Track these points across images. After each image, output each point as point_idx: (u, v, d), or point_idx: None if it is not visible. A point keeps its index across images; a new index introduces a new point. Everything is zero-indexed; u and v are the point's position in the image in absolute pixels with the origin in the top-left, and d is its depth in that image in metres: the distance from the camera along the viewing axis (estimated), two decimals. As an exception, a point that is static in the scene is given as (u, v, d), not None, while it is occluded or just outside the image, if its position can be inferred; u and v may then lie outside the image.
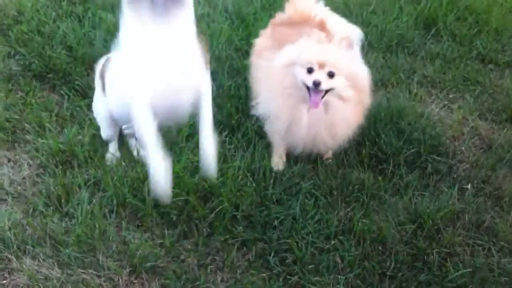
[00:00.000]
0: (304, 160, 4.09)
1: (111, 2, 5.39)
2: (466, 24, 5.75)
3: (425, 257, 3.58)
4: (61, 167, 3.87)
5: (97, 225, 3.48)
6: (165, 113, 3.18)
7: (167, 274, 3.34)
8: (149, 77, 3.05)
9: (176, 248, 3.49)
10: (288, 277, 3.40)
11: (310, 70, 3.68)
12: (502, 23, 5.79)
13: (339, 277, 3.41)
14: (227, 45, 5.06)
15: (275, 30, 4.28)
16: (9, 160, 3.97)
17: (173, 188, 3.42)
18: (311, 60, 3.68)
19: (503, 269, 3.56)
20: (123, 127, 3.96)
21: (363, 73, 3.88)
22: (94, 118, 4.02)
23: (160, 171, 3.14)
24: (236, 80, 4.70)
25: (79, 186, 3.71)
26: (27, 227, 3.49)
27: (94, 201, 3.62)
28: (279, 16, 4.42)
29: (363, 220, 3.69)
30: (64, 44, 4.87)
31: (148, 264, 3.36)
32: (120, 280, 3.31)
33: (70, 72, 4.61)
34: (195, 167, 3.83)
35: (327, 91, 3.69)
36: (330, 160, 4.14)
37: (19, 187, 3.78)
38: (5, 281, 3.25)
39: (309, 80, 3.65)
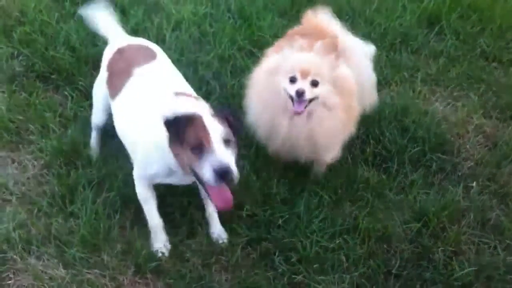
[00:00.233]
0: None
1: (113, 2, 5.40)
2: (470, 22, 5.72)
3: (430, 255, 3.58)
4: (65, 167, 3.87)
5: (101, 225, 3.48)
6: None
7: (172, 273, 3.34)
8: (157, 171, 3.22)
9: (180, 248, 3.49)
10: (292, 276, 3.40)
11: (292, 80, 3.54)
12: (506, 21, 5.76)
13: (344, 275, 3.42)
14: (230, 45, 5.05)
15: (287, 38, 4.10)
16: (13, 161, 3.98)
17: (178, 187, 3.44)
18: (293, 69, 3.55)
19: (509, 267, 3.55)
20: None
21: (349, 78, 3.70)
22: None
23: (159, 239, 3.48)
24: (239, 80, 4.68)
25: (83, 187, 3.71)
26: (32, 228, 3.50)
27: (98, 201, 3.63)
28: (296, 29, 4.25)
29: (368, 219, 3.69)
30: (67, 45, 4.86)
31: (153, 264, 3.36)
32: (125, 280, 3.32)
33: (73, 73, 4.61)
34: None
35: (311, 100, 3.54)
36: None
37: (23, 188, 3.78)
38: (10, 281, 3.27)
39: (292, 89, 3.50)
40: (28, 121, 4.19)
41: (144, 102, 3.26)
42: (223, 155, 2.82)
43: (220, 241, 3.55)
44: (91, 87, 4.22)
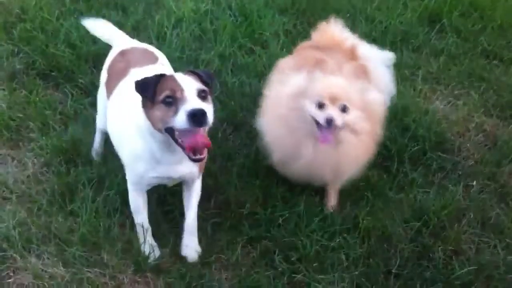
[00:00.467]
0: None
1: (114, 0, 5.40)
2: (471, 20, 5.71)
3: (430, 254, 3.58)
4: (65, 165, 3.87)
5: (101, 224, 3.48)
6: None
7: (172, 272, 3.34)
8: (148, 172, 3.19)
9: (179, 246, 3.49)
10: (293, 275, 3.40)
11: (321, 105, 3.32)
12: (507, 19, 5.76)
13: (344, 275, 3.41)
14: (231, 42, 5.04)
15: (300, 51, 4.00)
16: (13, 159, 3.98)
17: (177, 186, 3.43)
18: (321, 94, 3.33)
19: (509, 266, 3.55)
20: None
21: (379, 103, 3.55)
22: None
23: (148, 245, 3.44)
24: (240, 78, 4.68)
25: (83, 185, 3.71)
26: (32, 226, 3.49)
27: (98, 199, 3.62)
28: (306, 43, 4.12)
29: (368, 218, 3.68)
30: (68, 42, 4.86)
31: (153, 263, 3.36)
32: (125, 278, 3.32)
33: (73, 70, 4.60)
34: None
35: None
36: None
37: (23, 186, 3.78)
38: (10, 280, 3.27)
39: (321, 116, 3.29)
40: (28, 119, 4.19)
41: (130, 99, 3.19)
42: (197, 102, 2.78)
43: (190, 258, 3.44)
44: (91, 84, 4.24)
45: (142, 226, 3.41)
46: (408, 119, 4.41)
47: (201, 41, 5.08)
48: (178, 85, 2.83)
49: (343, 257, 3.50)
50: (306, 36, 5.22)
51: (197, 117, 2.72)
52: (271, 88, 3.79)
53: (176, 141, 2.86)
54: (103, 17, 4.81)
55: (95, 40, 4.85)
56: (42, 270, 3.30)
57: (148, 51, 3.73)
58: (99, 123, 3.89)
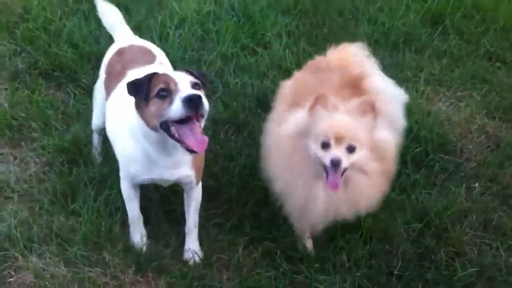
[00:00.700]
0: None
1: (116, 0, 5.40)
2: (474, 21, 5.70)
3: (432, 256, 3.58)
4: (67, 165, 3.87)
5: (103, 224, 3.48)
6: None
7: (173, 272, 3.34)
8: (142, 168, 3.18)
9: (181, 247, 3.50)
10: (294, 275, 3.39)
11: (325, 145, 3.01)
12: (510, 21, 5.74)
13: (346, 275, 3.41)
14: (233, 43, 5.04)
15: (308, 70, 3.72)
16: (15, 158, 3.98)
17: (178, 186, 3.43)
18: (326, 134, 3.01)
19: (511, 268, 3.54)
20: None
21: (389, 141, 3.25)
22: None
23: (137, 232, 3.49)
24: (242, 78, 4.68)
25: (85, 184, 3.71)
26: (33, 225, 3.50)
27: (100, 199, 3.62)
28: (318, 59, 3.78)
29: (370, 219, 3.67)
30: (70, 42, 4.86)
31: (154, 263, 3.36)
32: (126, 278, 3.32)
33: (76, 70, 4.61)
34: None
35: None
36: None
37: (25, 185, 3.79)
38: (11, 279, 3.27)
39: (326, 158, 2.99)
40: (31, 118, 4.19)
41: (125, 101, 3.17)
42: (192, 90, 2.78)
43: (191, 262, 3.44)
44: (93, 84, 4.23)
45: (134, 213, 3.43)
46: (411, 121, 4.38)
47: (204, 41, 5.08)
48: (171, 79, 2.84)
49: (345, 258, 3.49)
50: (308, 37, 5.25)
51: (193, 102, 2.71)
52: (271, 127, 3.54)
53: (172, 137, 2.83)
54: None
55: (97, 40, 4.87)
56: (44, 269, 3.31)
57: (146, 50, 3.70)
58: (95, 120, 3.87)
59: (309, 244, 3.59)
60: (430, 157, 4.21)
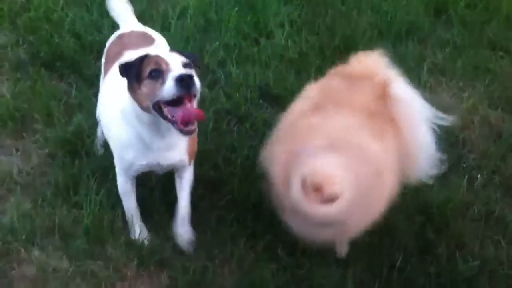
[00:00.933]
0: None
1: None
2: (477, 10, 5.67)
3: (434, 249, 3.57)
4: (69, 157, 3.87)
5: (105, 217, 3.49)
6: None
7: (175, 266, 3.35)
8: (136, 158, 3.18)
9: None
10: (296, 269, 3.40)
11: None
12: (513, 10, 5.73)
13: (348, 269, 3.41)
14: (235, 33, 5.02)
15: (329, 79, 3.52)
16: (17, 150, 3.98)
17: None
18: (304, 180, 2.78)
19: (512, 261, 3.54)
20: None
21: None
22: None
23: (137, 228, 3.48)
24: (244, 68, 4.67)
25: (88, 177, 3.72)
26: (36, 218, 3.50)
27: (102, 191, 3.62)
28: (340, 67, 3.57)
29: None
30: (73, 32, 4.85)
31: (156, 257, 3.37)
32: (129, 272, 3.33)
33: (78, 61, 4.60)
34: (202, 157, 3.82)
35: None
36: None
37: (27, 177, 3.79)
38: (13, 272, 3.28)
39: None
40: (33, 110, 4.18)
41: (117, 83, 3.18)
42: (183, 70, 2.80)
43: (184, 247, 3.44)
44: (96, 75, 4.23)
45: (130, 210, 3.46)
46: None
47: (206, 31, 5.07)
48: (163, 59, 2.85)
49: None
50: (311, 26, 5.23)
51: (185, 81, 2.72)
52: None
53: (165, 118, 2.83)
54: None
55: (100, 29, 4.85)
56: (46, 262, 3.32)
57: (146, 34, 3.72)
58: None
59: None
60: (432, 148, 4.20)
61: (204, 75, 4.53)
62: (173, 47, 3.72)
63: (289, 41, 4.97)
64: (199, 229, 3.55)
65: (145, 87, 2.84)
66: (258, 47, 4.93)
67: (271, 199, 3.22)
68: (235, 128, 4.24)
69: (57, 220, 3.49)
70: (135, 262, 3.36)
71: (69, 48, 4.67)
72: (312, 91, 3.47)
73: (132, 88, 2.93)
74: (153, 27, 4.65)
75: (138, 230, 3.46)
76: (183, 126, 2.79)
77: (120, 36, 3.69)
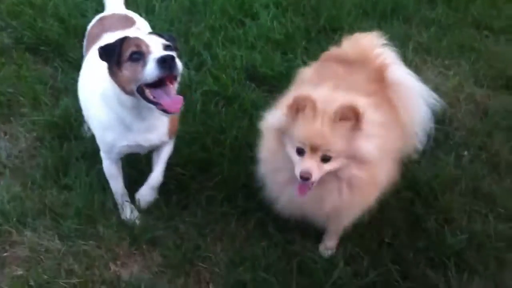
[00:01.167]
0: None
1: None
2: (461, -11, 5.72)
3: (423, 223, 3.61)
4: (57, 140, 3.86)
5: (96, 197, 3.48)
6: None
7: (167, 244, 3.36)
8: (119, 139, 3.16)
9: (175, 219, 3.51)
10: (287, 245, 3.42)
11: (300, 151, 2.86)
12: (497, -11, 5.77)
13: (338, 245, 3.44)
14: (221, 15, 5.02)
15: (323, 63, 3.54)
16: (5, 134, 3.97)
17: (171, 158, 3.44)
18: (302, 141, 2.84)
19: (500, 234, 3.58)
20: None
21: (368, 151, 2.88)
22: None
23: (127, 209, 3.49)
24: (231, 50, 4.67)
25: (77, 159, 3.71)
26: (26, 200, 3.50)
27: (92, 173, 3.62)
28: (333, 50, 3.58)
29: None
30: (56, 16, 4.82)
31: (148, 235, 3.38)
32: (121, 251, 3.33)
33: (62, 44, 4.58)
34: (191, 138, 3.83)
35: None
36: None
37: (16, 161, 3.78)
38: (6, 254, 3.28)
39: (297, 166, 2.85)
40: (19, 94, 4.17)
41: (94, 67, 3.18)
42: (164, 52, 2.79)
43: (141, 205, 3.47)
44: (81, 58, 4.20)
45: (118, 192, 3.46)
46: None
47: (191, 13, 5.06)
48: (143, 41, 2.84)
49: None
50: (296, 7, 5.23)
51: (167, 62, 2.71)
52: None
53: (147, 99, 2.82)
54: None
55: (83, 13, 4.83)
56: (38, 243, 3.31)
57: (127, 17, 3.70)
58: None
59: None
60: (419, 126, 4.23)
61: (191, 57, 4.53)
62: (157, 30, 3.74)
63: (275, 22, 4.98)
64: (190, 209, 3.56)
65: (126, 70, 2.83)
66: (244, 29, 4.94)
67: (259, 178, 3.25)
68: (223, 109, 4.23)
69: (47, 201, 3.49)
70: (127, 241, 3.36)
71: (53, 32, 4.65)
72: (307, 73, 3.49)
73: (113, 72, 2.90)
74: (137, 10, 4.65)
75: (129, 210, 3.46)
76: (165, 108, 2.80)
77: (101, 19, 3.69)
